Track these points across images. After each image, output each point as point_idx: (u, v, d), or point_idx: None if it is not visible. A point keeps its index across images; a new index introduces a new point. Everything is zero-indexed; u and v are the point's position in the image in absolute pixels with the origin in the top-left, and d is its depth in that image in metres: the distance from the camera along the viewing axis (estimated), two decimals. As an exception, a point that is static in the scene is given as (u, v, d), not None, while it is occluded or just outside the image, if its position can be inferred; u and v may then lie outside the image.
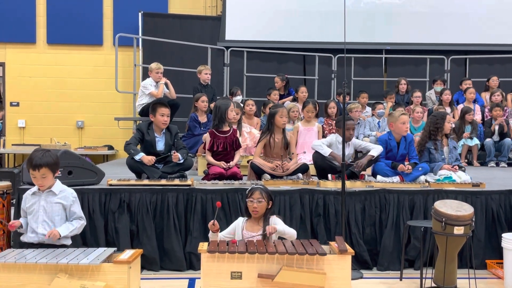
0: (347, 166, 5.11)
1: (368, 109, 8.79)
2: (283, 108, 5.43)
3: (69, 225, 3.65)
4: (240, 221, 3.82)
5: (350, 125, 5.44)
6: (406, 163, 5.38)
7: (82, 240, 4.46)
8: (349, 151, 5.46)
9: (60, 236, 3.56)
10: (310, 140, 6.32)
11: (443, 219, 3.85)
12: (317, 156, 5.43)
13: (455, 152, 5.76)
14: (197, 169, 6.19)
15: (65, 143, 9.83)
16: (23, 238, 3.67)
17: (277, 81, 8.90)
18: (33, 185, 3.71)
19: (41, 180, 3.59)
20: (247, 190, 3.81)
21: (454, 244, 3.92)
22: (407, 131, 5.49)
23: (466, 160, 7.91)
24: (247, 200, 3.74)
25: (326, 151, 5.34)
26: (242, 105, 7.16)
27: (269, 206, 3.75)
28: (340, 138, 5.52)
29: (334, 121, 6.58)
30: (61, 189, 3.70)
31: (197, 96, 6.92)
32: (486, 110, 8.64)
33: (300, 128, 6.55)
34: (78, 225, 3.69)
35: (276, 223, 3.73)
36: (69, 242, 3.70)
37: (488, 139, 7.94)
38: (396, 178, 5.28)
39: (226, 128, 5.48)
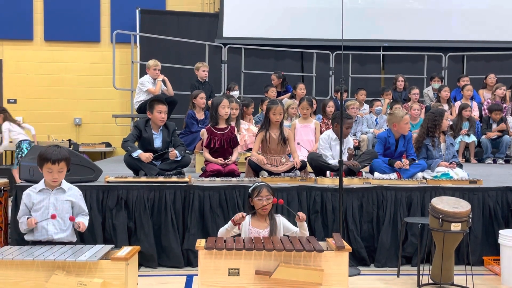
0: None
1: (366, 106, 8.79)
2: (278, 105, 5.37)
3: (84, 219, 3.73)
4: (246, 217, 3.83)
5: (350, 124, 5.47)
6: (403, 159, 5.39)
7: (80, 237, 4.45)
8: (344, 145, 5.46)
9: (85, 226, 3.68)
10: (307, 137, 6.33)
11: (440, 216, 3.86)
12: (312, 156, 5.43)
13: (452, 149, 5.76)
14: (194, 166, 6.19)
15: (62, 140, 9.81)
16: (28, 237, 3.65)
17: (273, 78, 8.89)
18: (30, 183, 3.70)
19: (57, 174, 3.62)
20: (252, 188, 3.82)
21: (451, 240, 3.94)
22: (409, 130, 5.50)
23: (463, 157, 7.92)
24: (255, 198, 3.75)
25: (333, 163, 5.31)
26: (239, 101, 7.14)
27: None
28: (333, 135, 5.52)
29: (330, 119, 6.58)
30: (68, 186, 3.75)
31: (195, 93, 6.91)
32: (484, 106, 8.65)
33: (297, 125, 6.54)
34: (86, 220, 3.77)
35: (284, 223, 3.84)
36: (75, 238, 3.73)
37: (484, 136, 7.95)
38: (394, 175, 5.29)
39: (223, 125, 5.48)
